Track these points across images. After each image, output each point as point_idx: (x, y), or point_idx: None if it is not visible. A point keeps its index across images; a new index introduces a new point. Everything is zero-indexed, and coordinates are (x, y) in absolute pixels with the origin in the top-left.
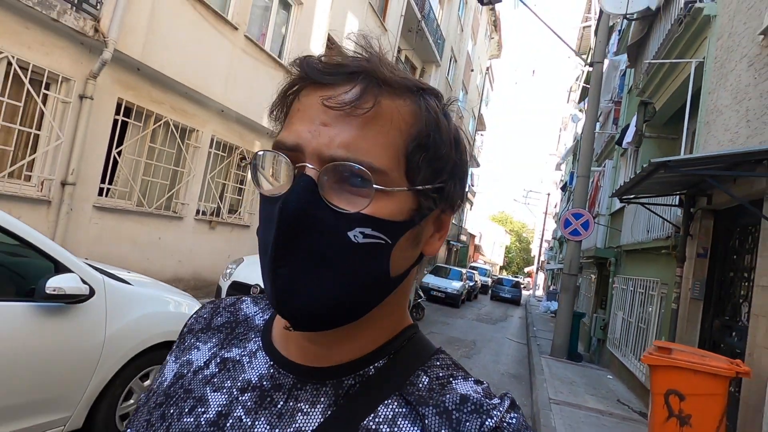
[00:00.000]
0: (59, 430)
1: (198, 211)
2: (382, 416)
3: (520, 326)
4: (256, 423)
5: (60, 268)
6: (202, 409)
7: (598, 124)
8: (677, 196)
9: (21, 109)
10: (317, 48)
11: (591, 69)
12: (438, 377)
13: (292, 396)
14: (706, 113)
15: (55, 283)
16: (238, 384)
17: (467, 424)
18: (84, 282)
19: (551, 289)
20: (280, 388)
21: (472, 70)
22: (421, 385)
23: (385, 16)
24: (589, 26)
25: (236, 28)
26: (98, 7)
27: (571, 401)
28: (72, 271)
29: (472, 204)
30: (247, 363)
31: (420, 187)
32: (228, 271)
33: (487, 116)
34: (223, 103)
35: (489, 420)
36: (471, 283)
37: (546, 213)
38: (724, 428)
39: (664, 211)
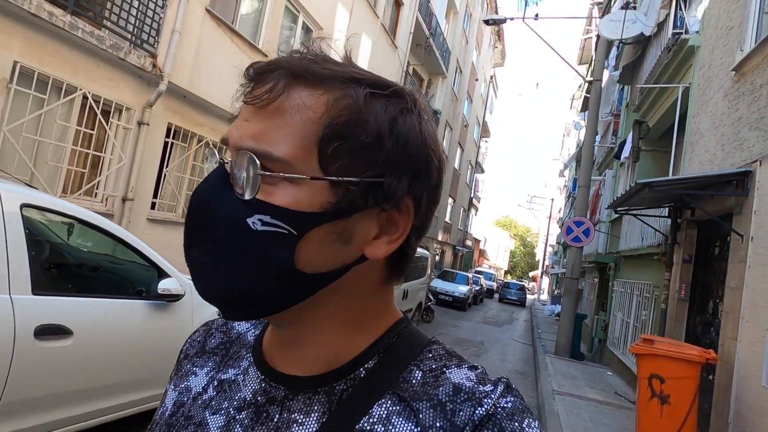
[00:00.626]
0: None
1: None
2: (377, 416)
3: (526, 329)
4: None
5: (162, 273)
6: None
7: (598, 136)
8: (666, 208)
9: (92, 135)
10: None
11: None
12: (431, 369)
13: (286, 408)
14: (690, 134)
15: (164, 285)
16: (235, 403)
17: (461, 414)
18: (179, 284)
19: (556, 293)
20: (274, 401)
21: (477, 80)
22: (414, 381)
23: (396, 34)
24: (590, 38)
25: (266, 55)
26: (155, 46)
27: (573, 393)
28: (170, 276)
29: (477, 209)
30: (242, 381)
31: (333, 179)
32: None
33: (491, 123)
34: None
35: (479, 408)
36: (477, 287)
37: (550, 218)
38: (696, 406)
39: (656, 222)
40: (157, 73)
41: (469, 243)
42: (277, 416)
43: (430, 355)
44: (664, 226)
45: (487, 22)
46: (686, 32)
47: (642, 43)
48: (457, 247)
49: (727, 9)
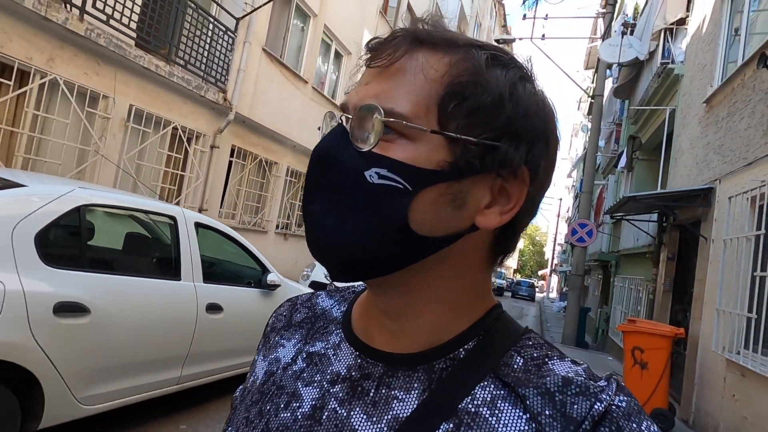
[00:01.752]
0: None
1: (277, 226)
2: (480, 399)
3: (535, 323)
4: (352, 413)
5: (264, 269)
6: (297, 404)
7: (602, 142)
8: (655, 214)
9: (179, 159)
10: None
11: (595, 89)
12: (533, 358)
13: (384, 384)
14: (675, 151)
15: (271, 278)
16: (328, 377)
17: (575, 407)
18: (278, 277)
19: (564, 290)
20: (370, 377)
21: None
22: (516, 366)
23: None
24: (596, 45)
25: (306, 82)
26: (225, 83)
27: None
28: (271, 272)
29: None
30: (333, 356)
31: (452, 135)
32: (305, 273)
33: None
34: (295, 140)
35: (598, 404)
36: None
37: (558, 216)
38: (668, 370)
39: (646, 225)
40: (227, 105)
41: None
42: (373, 391)
43: (530, 343)
44: (653, 229)
45: (497, 41)
46: (672, 62)
47: (637, 65)
48: None
49: (703, 48)
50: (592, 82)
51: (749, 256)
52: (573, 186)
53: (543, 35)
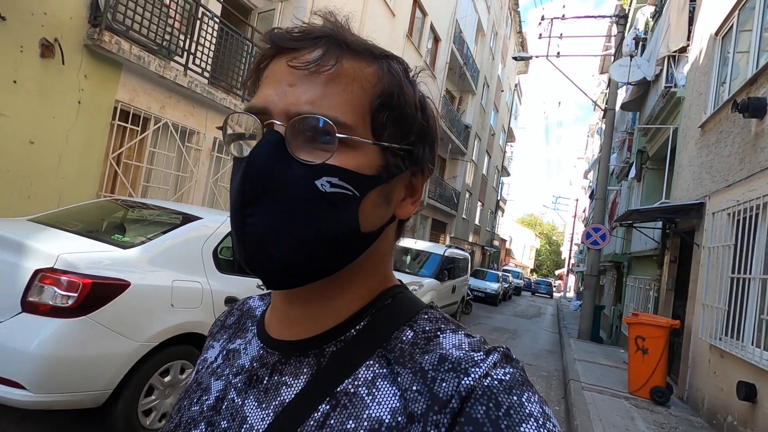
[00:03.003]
0: None
1: None
2: (362, 378)
3: (552, 321)
4: (246, 402)
5: None
6: (206, 397)
7: (615, 149)
8: (660, 221)
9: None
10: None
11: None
12: (424, 331)
13: (276, 371)
14: (677, 166)
15: None
16: (234, 370)
17: (443, 384)
18: None
19: (581, 290)
20: (266, 365)
21: (503, 91)
22: (405, 339)
23: (434, 66)
24: (610, 53)
25: None
26: None
27: (590, 360)
28: None
29: (503, 211)
30: (243, 350)
31: (386, 144)
32: None
33: (516, 127)
34: None
35: (466, 379)
36: (506, 285)
37: (575, 217)
38: (666, 355)
39: (652, 231)
40: None
41: (496, 243)
42: (266, 379)
43: (426, 317)
44: (658, 235)
45: (515, 58)
46: (675, 86)
47: (645, 84)
48: (486, 248)
49: (699, 78)
50: (607, 87)
51: (727, 261)
52: (589, 187)
53: (558, 53)
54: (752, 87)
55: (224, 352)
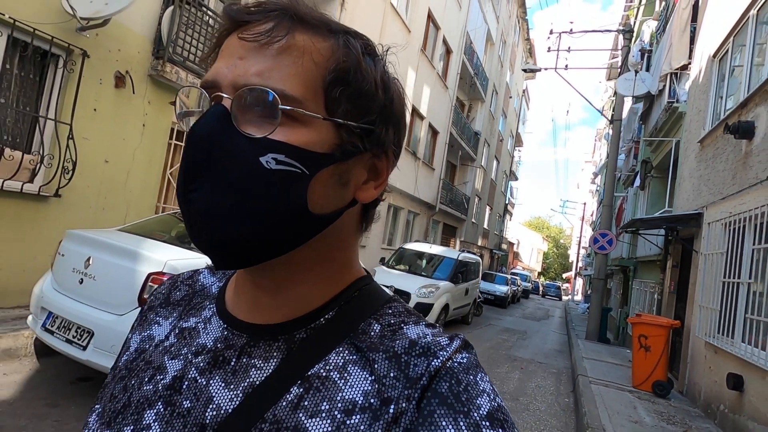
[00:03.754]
0: None
1: None
2: (333, 364)
3: (561, 324)
4: (211, 382)
5: None
6: (161, 377)
7: (623, 154)
8: (664, 229)
9: None
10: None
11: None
12: (389, 324)
13: (245, 353)
14: (678, 176)
15: None
16: (193, 349)
17: (416, 368)
18: None
19: (588, 293)
20: (233, 347)
21: (511, 97)
22: (372, 333)
23: (446, 77)
24: (617, 60)
25: None
26: None
27: (596, 359)
28: None
29: (511, 215)
30: (202, 329)
31: (341, 121)
32: None
33: (524, 132)
34: None
35: (435, 360)
36: (515, 288)
37: (582, 220)
38: (666, 352)
39: (656, 238)
40: None
41: (504, 246)
42: (234, 360)
43: (390, 311)
44: (662, 242)
45: (524, 71)
46: (677, 101)
47: (650, 97)
48: (494, 251)
49: (699, 95)
50: (614, 94)
51: (720, 267)
52: (597, 191)
53: (566, 65)
54: (743, 110)
55: (176, 331)
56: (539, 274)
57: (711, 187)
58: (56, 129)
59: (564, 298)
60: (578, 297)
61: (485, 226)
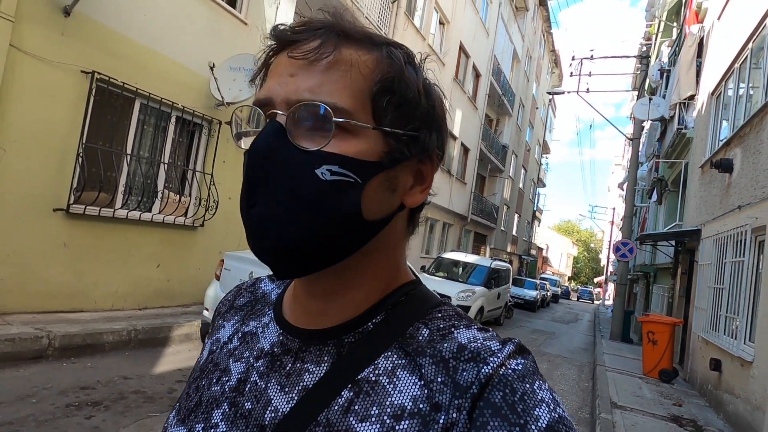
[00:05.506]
0: None
1: None
2: (382, 368)
3: (589, 327)
4: (269, 385)
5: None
6: (226, 378)
7: (645, 165)
8: (673, 240)
9: None
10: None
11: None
12: (439, 329)
13: (299, 358)
14: (687, 194)
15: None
16: (254, 353)
17: (464, 373)
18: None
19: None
20: (289, 352)
21: (537, 108)
22: (421, 338)
23: (476, 99)
24: (643, 72)
25: None
26: None
27: (616, 354)
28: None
29: (539, 221)
30: (261, 334)
31: (388, 129)
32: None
33: (551, 140)
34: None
35: (485, 367)
36: (544, 292)
37: (612, 224)
38: (671, 345)
39: (668, 249)
40: None
41: (532, 252)
42: (289, 365)
43: (440, 315)
44: (673, 252)
45: (549, 93)
46: (685, 127)
47: (664, 121)
48: (523, 257)
49: (701, 126)
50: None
51: (710, 275)
52: (623, 197)
53: (588, 89)
54: (727, 148)
55: (239, 334)
56: (569, 278)
57: (707, 208)
58: (204, 178)
59: (596, 302)
60: (609, 302)
61: (514, 232)
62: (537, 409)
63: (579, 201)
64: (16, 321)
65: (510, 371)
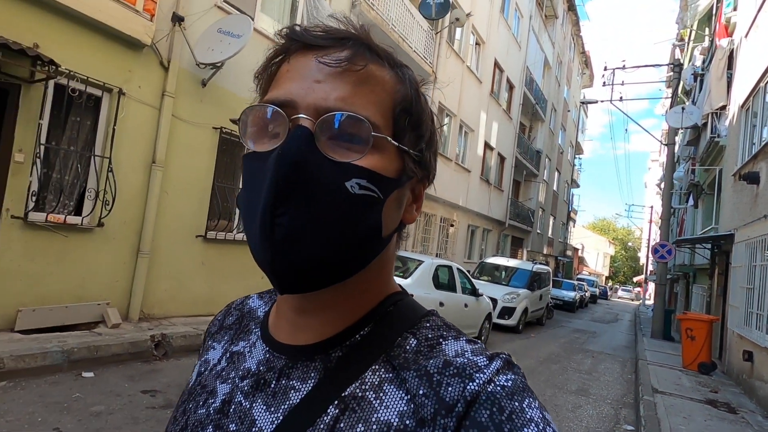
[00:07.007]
0: None
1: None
2: (369, 383)
3: (629, 326)
4: (254, 405)
5: (476, 290)
6: (212, 400)
7: (683, 166)
8: (710, 243)
9: None
10: (480, 152)
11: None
12: (427, 338)
13: (284, 375)
14: (722, 200)
15: (484, 292)
16: (240, 373)
17: (449, 389)
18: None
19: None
20: (273, 369)
21: (569, 111)
22: (408, 348)
23: (510, 110)
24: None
25: (469, 171)
26: None
27: (658, 350)
28: (482, 293)
29: (574, 222)
30: (248, 353)
31: (405, 148)
32: None
33: (583, 140)
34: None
35: (471, 384)
36: (582, 293)
37: (651, 222)
38: (709, 340)
39: (704, 251)
40: None
41: (568, 253)
42: (274, 383)
43: (428, 324)
44: (709, 254)
45: (582, 103)
46: (718, 136)
47: (698, 128)
48: (559, 258)
49: (733, 135)
50: (664, 145)
51: (743, 276)
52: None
53: (621, 97)
54: (754, 161)
55: (227, 355)
56: (607, 278)
57: (739, 214)
58: None
59: (637, 302)
60: (650, 301)
61: (549, 234)
62: (525, 429)
63: (614, 198)
64: (178, 322)
65: (498, 388)
